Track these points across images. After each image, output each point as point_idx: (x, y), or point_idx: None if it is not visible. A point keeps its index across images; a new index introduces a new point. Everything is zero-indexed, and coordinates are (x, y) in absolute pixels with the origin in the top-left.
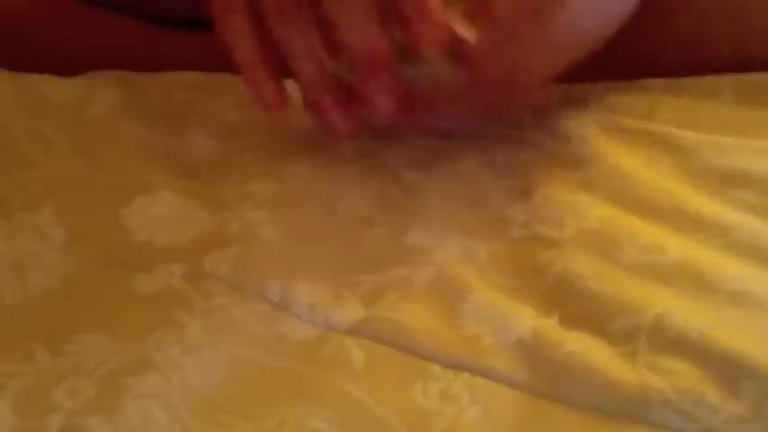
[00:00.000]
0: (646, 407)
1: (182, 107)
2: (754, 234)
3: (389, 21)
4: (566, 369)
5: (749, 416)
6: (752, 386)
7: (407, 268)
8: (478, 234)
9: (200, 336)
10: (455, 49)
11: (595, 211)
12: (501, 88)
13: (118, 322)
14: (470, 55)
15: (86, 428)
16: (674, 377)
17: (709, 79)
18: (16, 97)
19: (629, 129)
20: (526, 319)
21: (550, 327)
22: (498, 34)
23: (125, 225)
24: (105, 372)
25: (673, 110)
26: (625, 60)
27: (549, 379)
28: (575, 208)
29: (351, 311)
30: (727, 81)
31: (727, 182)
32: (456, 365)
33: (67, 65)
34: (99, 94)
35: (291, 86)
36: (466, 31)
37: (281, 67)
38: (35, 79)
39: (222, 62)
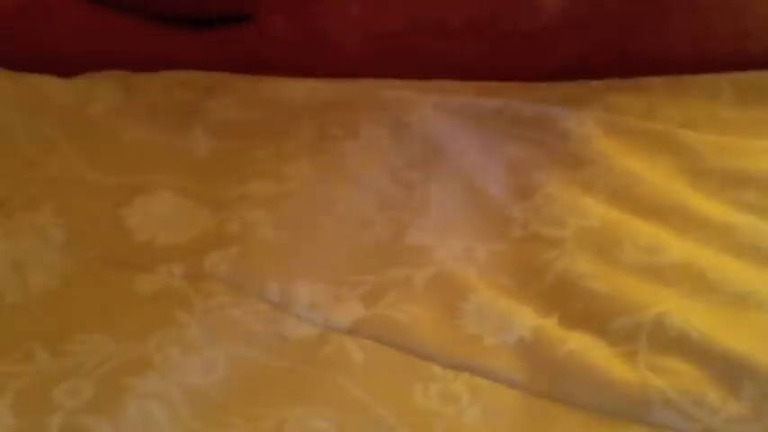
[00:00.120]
0: (646, 406)
1: (181, 107)
2: (754, 234)
3: None
4: (566, 368)
5: (749, 416)
6: (752, 386)
7: (407, 268)
8: (479, 234)
9: (200, 336)
10: None
11: (596, 211)
12: None
13: (118, 322)
14: None
15: (86, 428)
16: (675, 377)
17: (709, 78)
18: (16, 97)
19: (630, 128)
20: (526, 318)
21: (551, 326)
22: None
23: (125, 225)
24: (105, 372)
25: (673, 109)
26: (625, 60)
27: (549, 378)
28: (575, 208)
29: (351, 311)
30: (726, 80)
31: (727, 182)
32: (456, 365)
33: (68, 65)
34: (99, 94)
35: (292, 86)
36: None
37: None
38: (35, 79)
39: (223, 61)
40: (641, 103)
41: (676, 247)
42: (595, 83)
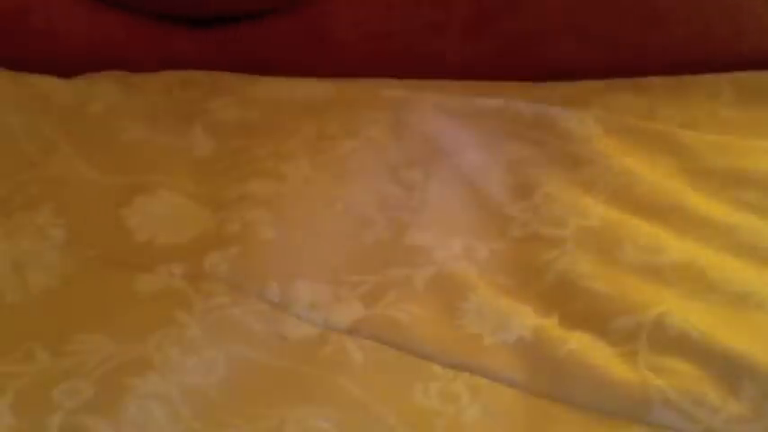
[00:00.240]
0: (646, 406)
1: (181, 107)
2: (754, 234)
3: None
4: (566, 368)
5: (750, 416)
6: (752, 386)
7: (407, 268)
8: (479, 233)
9: (200, 336)
10: None
11: (596, 211)
12: None
13: (118, 322)
14: None
15: (86, 428)
16: (675, 377)
17: (709, 78)
18: (16, 97)
19: (630, 128)
20: (526, 318)
21: (551, 326)
22: None
23: (125, 225)
24: (105, 372)
25: (673, 109)
26: (626, 60)
27: (549, 378)
28: (575, 207)
29: (351, 311)
30: (726, 80)
31: (727, 182)
32: (456, 365)
33: (68, 65)
34: (99, 94)
35: (292, 86)
36: None
37: None
38: (35, 79)
39: (223, 61)
40: (641, 103)
41: (676, 247)
42: (595, 83)
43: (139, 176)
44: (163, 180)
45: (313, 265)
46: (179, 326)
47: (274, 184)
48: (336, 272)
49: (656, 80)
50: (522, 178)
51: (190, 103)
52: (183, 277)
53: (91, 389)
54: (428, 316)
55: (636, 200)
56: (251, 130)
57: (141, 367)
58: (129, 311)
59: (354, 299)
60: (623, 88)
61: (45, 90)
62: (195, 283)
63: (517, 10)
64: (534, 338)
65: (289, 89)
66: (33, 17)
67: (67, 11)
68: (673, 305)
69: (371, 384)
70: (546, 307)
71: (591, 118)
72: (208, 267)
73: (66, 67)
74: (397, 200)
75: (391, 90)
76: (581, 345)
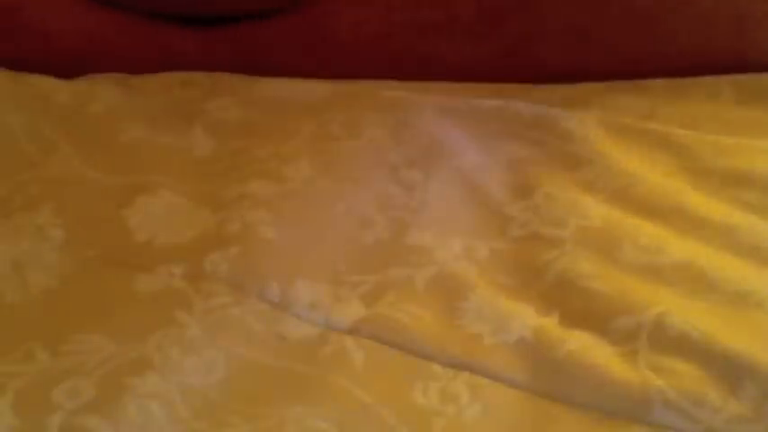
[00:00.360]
0: (647, 406)
1: (181, 107)
2: (754, 234)
3: None
4: (566, 368)
5: (750, 416)
6: (753, 386)
7: (408, 268)
8: (479, 233)
9: (200, 336)
10: None
11: (596, 211)
12: None
13: (118, 322)
14: None
15: (86, 428)
16: (675, 377)
17: (709, 79)
18: (16, 97)
19: (630, 128)
20: (527, 318)
21: (551, 326)
22: None
23: (125, 225)
24: (105, 372)
25: (673, 110)
26: (626, 63)
27: (549, 378)
28: (575, 207)
29: (351, 311)
30: (726, 81)
31: (727, 182)
32: (456, 365)
33: (68, 65)
34: (99, 94)
35: (292, 86)
36: None
37: None
38: (35, 79)
39: (223, 61)
40: (641, 104)
41: (676, 246)
42: (595, 85)
43: (139, 176)
44: (163, 180)
45: (313, 265)
46: (179, 326)
47: (274, 184)
48: (337, 272)
49: (656, 82)
50: (522, 178)
51: (190, 103)
52: (183, 277)
53: (91, 389)
54: (428, 316)
55: (636, 200)
56: (251, 131)
57: (141, 367)
58: (129, 311)
59: (355, 299)
60: (623, 89)
61: (45, 90)
62: (195, 283)
63: (518, 12)
64: (534, 338)
65: (289, 89)
66: (32, 17)
67: (67, 10)
68: (673, 305)
69: (371, 384)
70: (546, 307)
71: (591, 118)
72: (208, 267)
73: (66, 67)
74: (398, 200)
75: (392, 91)
76: (581, 344)
